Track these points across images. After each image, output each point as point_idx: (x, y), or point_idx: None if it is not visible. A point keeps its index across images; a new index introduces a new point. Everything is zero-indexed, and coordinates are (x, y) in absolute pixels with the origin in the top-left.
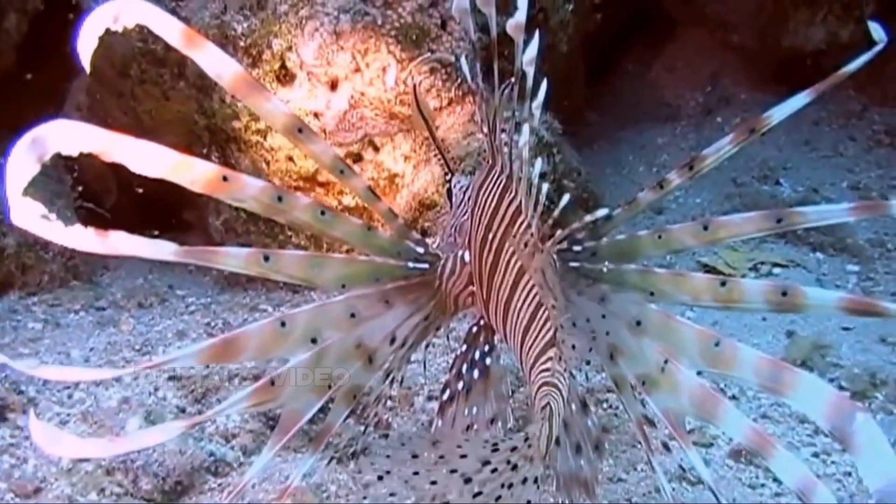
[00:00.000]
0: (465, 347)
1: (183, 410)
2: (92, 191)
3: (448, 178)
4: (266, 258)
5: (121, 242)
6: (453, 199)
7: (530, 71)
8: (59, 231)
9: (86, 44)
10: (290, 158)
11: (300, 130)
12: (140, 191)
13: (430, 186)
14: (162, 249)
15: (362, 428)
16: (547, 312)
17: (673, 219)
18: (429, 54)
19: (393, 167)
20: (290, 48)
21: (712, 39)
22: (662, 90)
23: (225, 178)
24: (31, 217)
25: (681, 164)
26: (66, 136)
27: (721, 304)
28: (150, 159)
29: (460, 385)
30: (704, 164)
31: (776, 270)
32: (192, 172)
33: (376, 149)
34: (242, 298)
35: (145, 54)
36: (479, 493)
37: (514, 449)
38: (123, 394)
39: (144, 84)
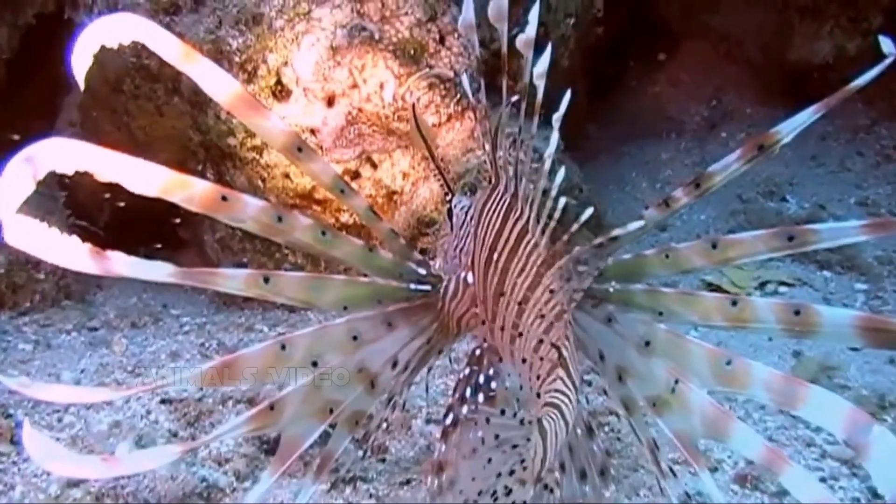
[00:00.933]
0: (467, 370)
1: (175, 434)
2: (85, 209)
3: (448, 198)
4: (266, 280)
5: (117, 263)
6: (454, 220)
7: (540, 85)
8: (55, 251)
9: (80, 60)
10: (287, 176)
11: (299, 149)
12: (134, 208)
13: (429, 204)
14: (159, 271)
15: (360, 453)
16: (555, 333)
17: (677, 236)
18: (427, 70)
19: (391, 184)
20: (285, 63)
21: (716, 53)
22: (666, 104)
23: (224, 198)
24: (27, 236)
25: (687, 182)
26: (61, 153)
27: (732, 324)
28: (146, 178)
29: (464, 410)
30: (712, 183)
31: (782, 289)
32: (189, 191)
33: (374, 165)
34: (238, 318)
35: (139, 69)
36: None
37: (511, 473)
38: (114, 417)
39: (138, 100)
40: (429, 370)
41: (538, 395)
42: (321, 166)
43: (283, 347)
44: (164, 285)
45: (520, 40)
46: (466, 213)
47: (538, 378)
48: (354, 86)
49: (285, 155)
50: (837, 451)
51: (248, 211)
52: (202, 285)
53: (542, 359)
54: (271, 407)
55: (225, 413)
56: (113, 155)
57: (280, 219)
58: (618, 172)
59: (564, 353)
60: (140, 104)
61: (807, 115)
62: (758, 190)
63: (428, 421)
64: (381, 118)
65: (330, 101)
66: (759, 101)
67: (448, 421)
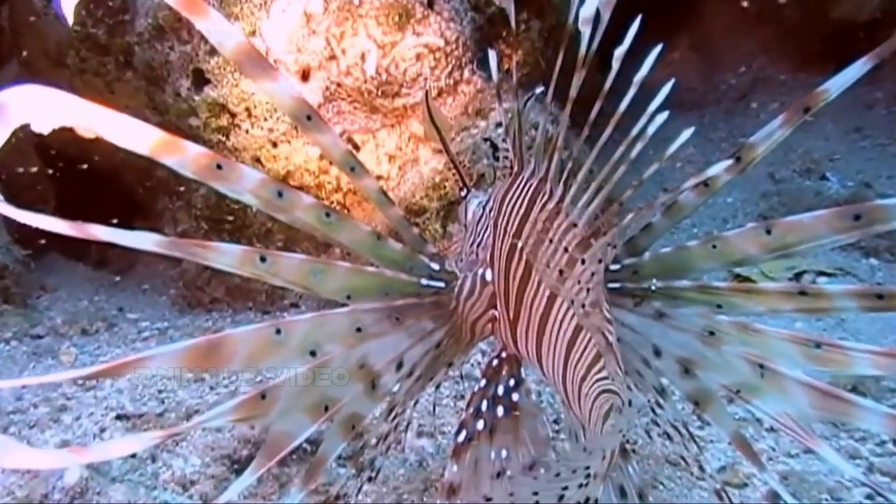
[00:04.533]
0: (483, 383)
1: (133, 456)
2: (27, 200)
3: (464, 195)
4: (263, 259)
5: (96, 229)
6: (469, 217)
7: (586, 32)
8: (28, 215)
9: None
10: (258, 160)
11: (308, 118)
12: (82, 200)
13: (419, 190)
14: (143, 239)
15: (353, 471)
16: (595, 320)
17: (700, 222)
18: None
19: (376, 168)
20: (253, 33)
21: (746, 12)
22: (687, 73)
23: (219, 167)
24: None
25: (727, 156)
26: (35, 103)
27: (804, 313)
28: (136, 134)
29: (480, 425)
30: (755, 155)
31: (821, 280)
32: (181, 154)
33: (356, 147)
34: (205, 321)
35: (85, 40)
36: None
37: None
38: (63, 437)
39: (84, 75)
40: (437, 387)
41: (580, 395)
42: (331, 139)
43: (279, 332)
44: (118, 286)
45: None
46: (484, 207)
47: (579, 372)
48: (332, 57)
49: (294, 122)
50: (886, 465)
51: (246, 182)
52: (192, 258)
53: (582, 351)
54: (262, 396)
55: (192, 430)
56: (96, 107)
57: (280, 194)
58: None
59: (610, 338)
60: (87, 80)
61: (858, 68)
62: (793, 167)
63: (419, 434)
64: (363, 94)
65: (304, 76)
66: (796, 66)
67: (461, 438)
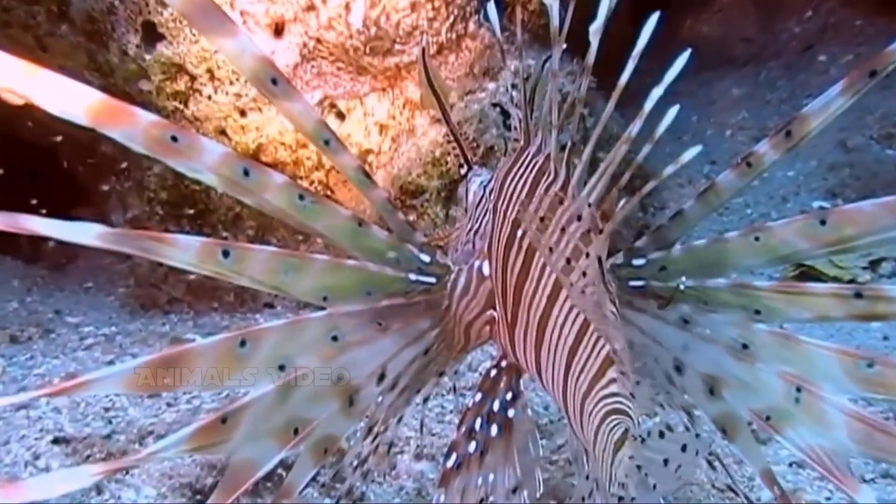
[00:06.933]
0: (479, 397)
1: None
2: None
3: (464, 172)
4: (226, 253)
5: (30, 221)
6: (470, 199)
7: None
8: None
9: None
10: (223, 132)
11: (274, 81)
12: (9, 187)
13: (416, 167)
14: (84, 232)
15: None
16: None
17: (754, 201)
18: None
19: (364, 141)
20: None
21: None
22: (741, 19)
23: (175, 139)
24: None
25: (774, 130)
26: None
27: (858, 320)
28: (70, 98)
29: (472, 447)
30: (809, 129)
31: None
32: (128, 123)
33: (341, 115)
34: (161, 326)
35: None
36: None
37: None
38: None
39: (9, 29)
40: (425, 399)
41: (582, 413)
42: (301, 107)
43: (243, 343)
44: (56, 284)
45: None
46: (486, 187)
47: (583, 384)
48: (311, 7)
49: (256, 87)
50: None
51: (206, 159)
52: (143, 254)
53: (587, 358)
54: (223, 419)
55: (141, 463)
56: (25, 63)
57: (247, 172)
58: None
59: (617, 345)
60: (12, 35)
61: None
62: (870, 133)
63: (418, 457)
64: (348, 51)
65: (278, 30)
66: (874, 8)
67: (450, 462)
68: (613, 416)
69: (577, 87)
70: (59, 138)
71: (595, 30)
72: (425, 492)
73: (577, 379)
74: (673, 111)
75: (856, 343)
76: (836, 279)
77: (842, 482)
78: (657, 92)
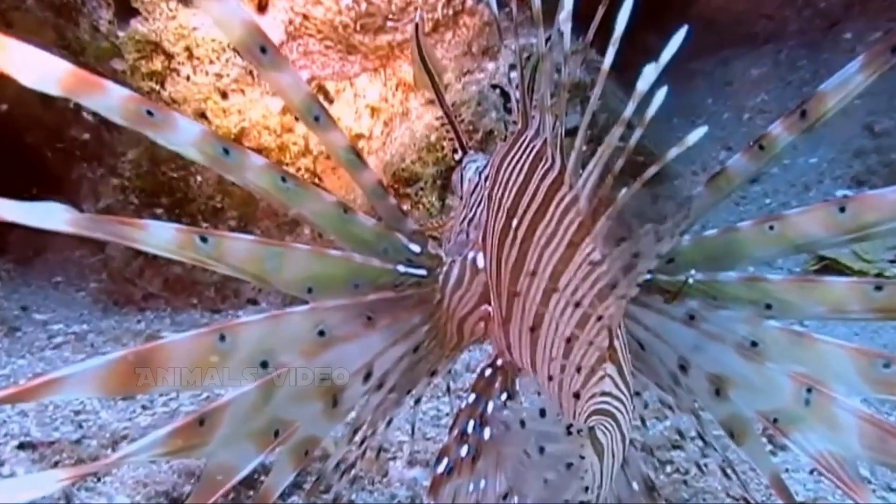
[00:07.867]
0: (472, 398)
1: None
2: None
3: (460, 157)
4: (204, 239)
5: None
6: (465, 186)
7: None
8: None
9: None
10: (203, 115)
11: (263, 50)
12: None
13: (410, 152)
14: (52, 216)
15: None
16: (598, 323)
17: (774, 189)
18: None
19: (354, 125)
20: None
21: None
22: None
23: (150, 113)
24: None
25: (789, 111)
26: None
27: (877, 316)
28: (45, 69)
29: (464, 451)
30: (826, 109)
31: None
32: (104, 97)
33: (329, 98)
34: (136, 323)
35: None
36: None
37: None
38: None
39: None
40: (417, 401)
41: (577, 398)
42: (291, 79)
43: (223, 338)
44: (22, 278)
45: None
46: (480, 175)
47: (577, 380)
48: None
49: (245, 57)
50: None
51: (184, 135)
52: (115, 240)
53: (582, 353)
54: (200, 421)
55: (112, 467)
56: (1, 36)
57: (227, 151)
58: (687, 99)
59: (615, 341)
60: None
61: None
62: None
63: (411, 463)
64: (337, 28)
65: (261, 5)
66: None
67: (441, 469)
68: (595, 417)
69: (568, 72)
70: (23, 119)
71: (614, 40)
72: (419, 500)
73: (571, 379)
74: (662, 93)
75: (882, 342)
76: (861, 273)
77: (851, 490)
78: (650, 69)
